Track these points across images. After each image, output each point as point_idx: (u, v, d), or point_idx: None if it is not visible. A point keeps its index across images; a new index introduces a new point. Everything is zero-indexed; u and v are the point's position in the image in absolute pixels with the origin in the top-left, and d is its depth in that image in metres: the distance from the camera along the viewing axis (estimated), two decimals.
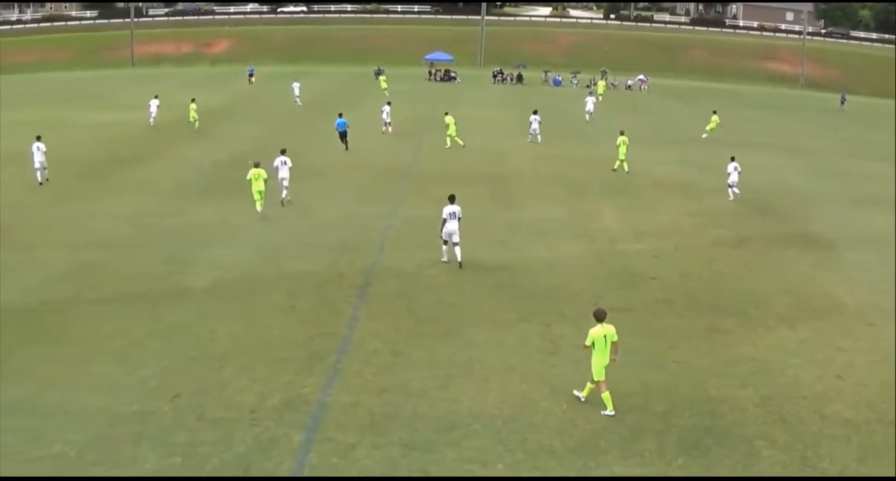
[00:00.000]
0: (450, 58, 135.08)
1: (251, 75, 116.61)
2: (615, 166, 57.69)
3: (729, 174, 50.68)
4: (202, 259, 36.87)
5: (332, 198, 48.43)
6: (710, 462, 20.84)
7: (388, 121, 72.73)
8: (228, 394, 23.69)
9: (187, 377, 24.87)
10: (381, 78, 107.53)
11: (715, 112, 78.46)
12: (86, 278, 34.29)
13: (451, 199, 35.89)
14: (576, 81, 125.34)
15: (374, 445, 21.04)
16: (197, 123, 74.47)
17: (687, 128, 74.99)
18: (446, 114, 68.11)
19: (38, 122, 59.91)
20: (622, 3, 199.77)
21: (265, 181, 44.06)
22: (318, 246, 38.80)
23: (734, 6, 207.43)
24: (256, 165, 44.50)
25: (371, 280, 34.15)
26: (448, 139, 65.80)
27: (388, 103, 76.01)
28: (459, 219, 35.44)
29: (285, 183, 46.65)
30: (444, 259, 36.27)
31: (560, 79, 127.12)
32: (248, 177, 44.22)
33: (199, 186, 51.23)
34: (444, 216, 35.39)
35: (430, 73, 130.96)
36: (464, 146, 65.43)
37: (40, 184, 52.09)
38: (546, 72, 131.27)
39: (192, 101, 77.09)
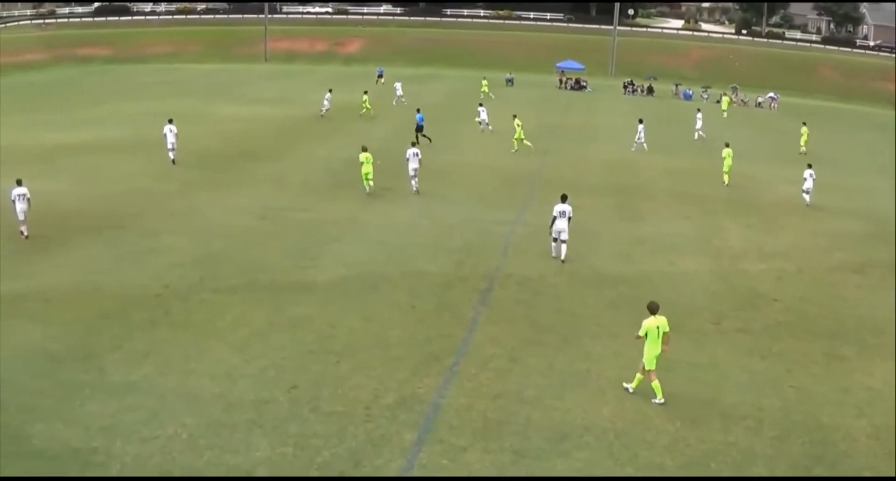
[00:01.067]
0: (581, 67, 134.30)
1: (380, 76, 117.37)
2: (725, 181, 57.35)
3: (804, 180, 52.10)
4: (327, 254, 37.26)
5: (459, 200, 48.55)
6: None
7: (486, 120, 75.74)
8: (344, 389, 23.93)
9: (305, 369, 25.19)
10: (484, 82, 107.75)
11: (805, 123, 77.08)
12: (210, 266, 34.93)
13: (563, 199, 37.63)
14: (706, 96, 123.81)
15: (485, 450, 21.04)
16: (370, 112, 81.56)
17: (812, 149, 73.46)
18: (514, 116, 68.00)
19: (171, 113, 60.81)
20: (754, 19, 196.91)
21: (372, 164, 48.48)
22: (443, 247, 38.93)
23: (866, 26, 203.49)
24: (364, 149, 49.19)
25: (493, 285, 34.12)
26: (515, 142, 65.67)
27: (481, 104, 79.29)
28: (569, 218, 37.18)
29: (415, 173, 49.16)
30: (554, 254, 37.73)
31: (691, 92, 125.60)
32: (360, 161, 48.70)
33: (327, 183, 51.75)
34: (555, 213, 37.25)
35: (560, 81, 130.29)
36: (532, 147, 65.24)
37: (173, 162, 55.58)
38: (677, 85, 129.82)
39: (365, 93, 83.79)
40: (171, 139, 56.15)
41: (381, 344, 27.40)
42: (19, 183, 38.86)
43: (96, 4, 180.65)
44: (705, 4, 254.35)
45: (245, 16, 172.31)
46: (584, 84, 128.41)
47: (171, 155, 56.30)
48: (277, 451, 20.58)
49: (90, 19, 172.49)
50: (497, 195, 50.51)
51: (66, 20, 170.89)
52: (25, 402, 22.74)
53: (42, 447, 20.54)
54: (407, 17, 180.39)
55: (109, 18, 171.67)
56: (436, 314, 30.41)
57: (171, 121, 57.03)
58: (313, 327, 28.65)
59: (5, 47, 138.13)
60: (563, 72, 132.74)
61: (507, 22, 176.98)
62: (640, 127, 70.67)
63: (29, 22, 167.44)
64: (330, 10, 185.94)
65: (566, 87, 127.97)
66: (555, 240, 37.57)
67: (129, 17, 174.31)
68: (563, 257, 37.27)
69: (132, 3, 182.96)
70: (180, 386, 23.96)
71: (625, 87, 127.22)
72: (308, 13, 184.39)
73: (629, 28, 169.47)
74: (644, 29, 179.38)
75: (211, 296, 31.44)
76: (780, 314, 32.82)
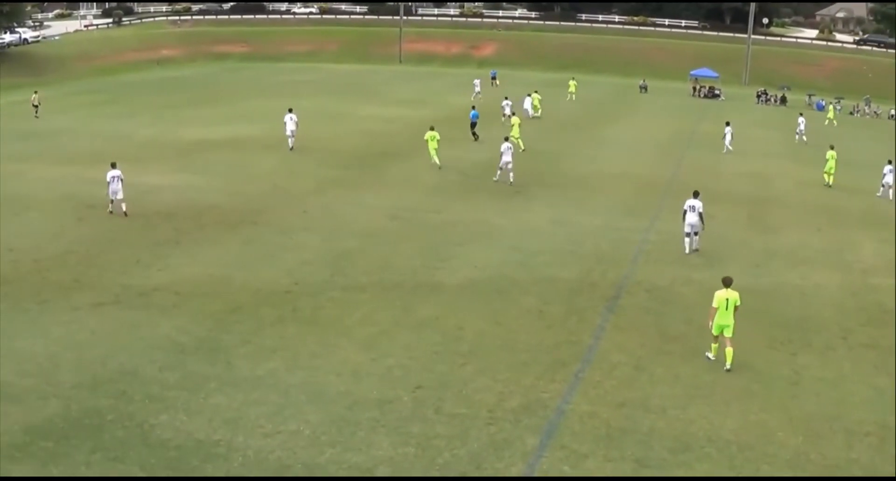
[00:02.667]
0: (715, 75, 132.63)
1: (493, 78, 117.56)
2: (829, 182, 58.22)
3: (884, 175, 56.00)
4: (457, 256, 37.41)
5: (591, 207, 48.29)
6: None
7: (507, 114, 77.08)
8: (469, 391, 23.99)
9: (430, 370, 25.32)
10: (572, 82, 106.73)
11: None
12: (340, 264, 35.35)
13: (695, 194, 39.57)
14: (839, 107, 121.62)
15: (607, 458, 20.93)
16: (540, 112, 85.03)
17: None
18: (513, 114, 69.28)
19: (307, 111, 62.00)
20: (888, 30, 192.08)
21: (438, 141, 55.71)
22: (573, 254, 38.73)
23: None
24: (432, 128, 56.78)
25: (622, 292, 33.84)
26: (514, 140, 64.17)
27: (506, 98, 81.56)
28: (700, 213, 38.95)
29: (508, 166, 51.95)
30: (687, 251, 38.97)
31: (823, 103, 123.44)
32: (424, 138, 55.99)
33: (459, 185, 51.96)
34: (685, 207, 39.22)
35: (694, 89, 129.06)
36: (523, 150, 62.30)
37: (290, 149, 59.89)
38: (810, 95, 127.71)
39: (535, 92, 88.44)
40: (290, 126, 60.17)
41: (507, 347, 27.40)
42: (114, 166, 42.43)
43: (231, 3, 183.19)
44: (839, 14, 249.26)
45: (381, 17, 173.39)
46: (718, 92, 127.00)
47: (290, 142, 60.31)
48: (399, 451, 20.69)
49: (225, 17, 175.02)
50: (630, 202, 50.12)
51: (201, 17, 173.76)
52: (152, 393, 23.28)
53: (165, 437, 20.98)
54: (542, 22, 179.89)
55: (245, 16, 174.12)
56: (563, 320, 30.28)
57: (290, 111, 61.27)
58: (440, 328, 28.77)
59: (142, 43, 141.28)
60: (696, 79, 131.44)
61: (641, 28, 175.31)
62: (728, 129, 71.58)
63: (164, 18, 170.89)
64: (463, 12, 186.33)
65: (700, 95, 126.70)
66: (687, 234, 38.92)
67: (265, 16, 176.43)
68: (696, 247, 39.27)
69: (268, 3, 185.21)
70: (306, 382, 24.27)
71: (758, 96, 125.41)
72: (443, 16, 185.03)
73: (763, 37, 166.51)
74: (778, 38, 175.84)
75: (340, 294, 31.79)
76: None
